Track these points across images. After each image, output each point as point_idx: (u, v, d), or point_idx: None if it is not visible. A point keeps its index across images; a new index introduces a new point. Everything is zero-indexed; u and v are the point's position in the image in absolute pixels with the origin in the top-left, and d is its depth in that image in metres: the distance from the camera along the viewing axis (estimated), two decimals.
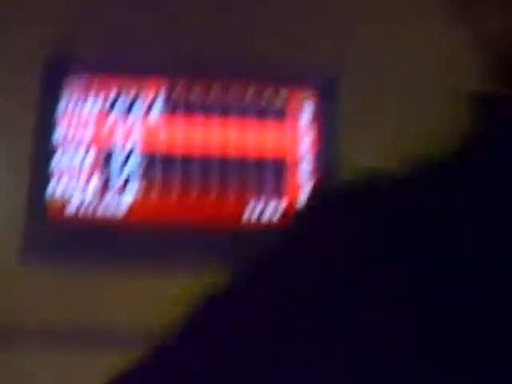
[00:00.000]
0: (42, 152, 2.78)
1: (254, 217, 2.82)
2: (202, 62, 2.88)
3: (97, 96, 2.83)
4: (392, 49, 2.89)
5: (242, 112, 2.87)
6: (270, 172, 2.84)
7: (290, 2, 2.88)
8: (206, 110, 2.85)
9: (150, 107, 2.84)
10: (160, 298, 3.40)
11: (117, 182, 2.79)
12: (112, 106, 2.83)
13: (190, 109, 2.86)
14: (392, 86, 2.88)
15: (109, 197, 2.77)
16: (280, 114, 2.88)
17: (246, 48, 2.86)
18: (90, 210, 2.77)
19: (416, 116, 2.88)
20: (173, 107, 2.84)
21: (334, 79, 2.87)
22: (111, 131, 2.82)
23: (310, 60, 2.85)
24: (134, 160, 2.80)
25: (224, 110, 2.86)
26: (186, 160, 2.81)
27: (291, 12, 2.86)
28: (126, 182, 2.78)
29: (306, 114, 2.88)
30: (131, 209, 2.77)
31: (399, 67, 2.90)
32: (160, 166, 2.81)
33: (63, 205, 2.75)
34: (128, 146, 2.81)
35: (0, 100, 2.83)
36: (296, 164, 2.85)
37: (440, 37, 2.77)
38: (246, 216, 2.81)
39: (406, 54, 2.88)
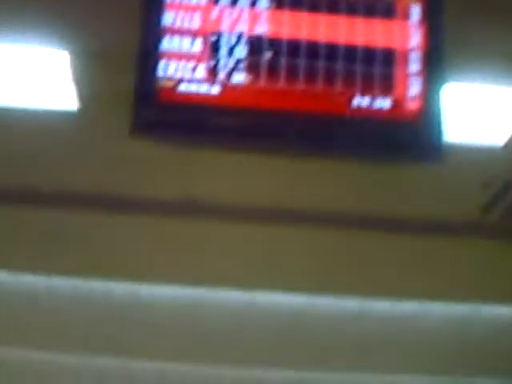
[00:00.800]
0: (150, 36, 2.73)
1: (363, 106, 2.75)
2: None
3: None
4: None
5: (351, 9, 2.85)
6: (379, 63, 2.80)
7: None
8: (313, 5, 2.83)
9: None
10: (256, 175, 3.44)
11: (225, 66, 2.73)
12: None
13: (296, 4, 2.83)
14: None
15: (217, 80, 2.71)
16: (389, 12, 2.86)
17: None
18: (198, 91, 2.70)
19: None
20: (279, 1, 2.82)
21: None
22: (218, 19, 2.78)
23: None
24: (241, 47, 2.76)
25: (332, 7, 2.84)
26: (293, 48, 2.77)
27: None
28: (234, 66, 2.73)
29: (415, 13, 2.86)
30: (238, 93, 2.71)
31: None
32: (266, 53, 2.77)
33: (172, 86, 2.69)
34: (235, 34, 2.77)
35: None
36: (405, 57, 2.81)
37: None
38: (354, 105, 2.75)
39: None
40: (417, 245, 4.90)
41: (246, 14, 2.79)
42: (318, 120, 2.75)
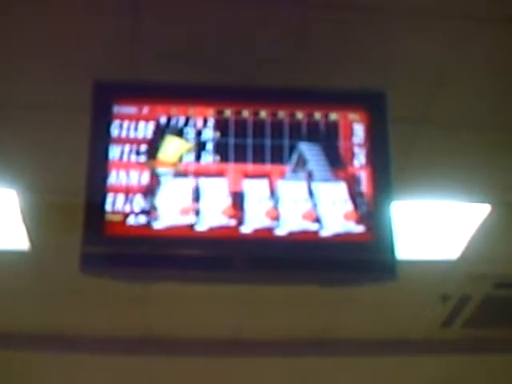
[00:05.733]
0: (97, 170, 2.73)
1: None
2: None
3: (148, 120, 2.82)
4: None
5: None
6: None
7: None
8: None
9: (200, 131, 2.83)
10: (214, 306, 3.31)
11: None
12: (164, 129, 2.82)
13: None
14: None
15: (164, 213, 2.71)
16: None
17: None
18: (145, 224, 2.69)
19: None
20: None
21: None
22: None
23: None
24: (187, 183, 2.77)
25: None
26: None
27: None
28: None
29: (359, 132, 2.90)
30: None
31: None
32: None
33: (120, 220, 2.68)
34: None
35: (55, 122, 2.84)
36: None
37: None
38: None
39: None
40: (380, 364, 4.87)
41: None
42: (270, 247, 2.74)
